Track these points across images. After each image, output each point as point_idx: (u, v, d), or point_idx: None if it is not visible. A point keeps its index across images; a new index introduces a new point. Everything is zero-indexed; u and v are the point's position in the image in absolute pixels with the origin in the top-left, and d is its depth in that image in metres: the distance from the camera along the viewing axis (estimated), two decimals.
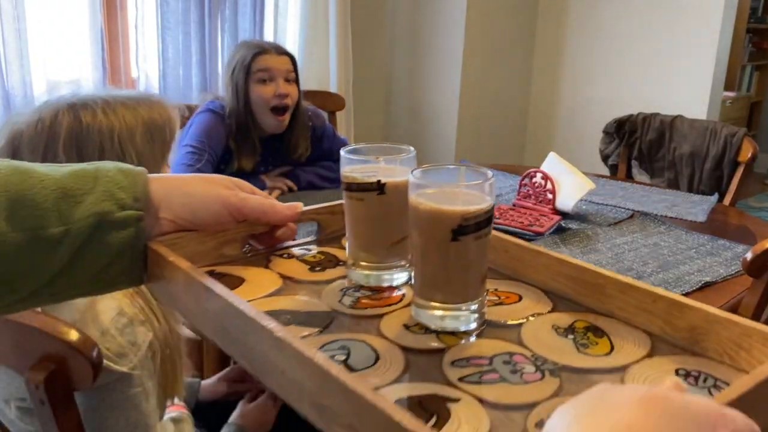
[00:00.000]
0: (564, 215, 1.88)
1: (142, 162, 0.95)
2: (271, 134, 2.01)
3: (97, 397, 0.91)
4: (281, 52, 1.98)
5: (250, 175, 1.96)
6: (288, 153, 2.04)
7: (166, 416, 1.13)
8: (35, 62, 2.24)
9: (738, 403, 0.40)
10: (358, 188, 0.63)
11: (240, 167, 1.97)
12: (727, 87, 4.65)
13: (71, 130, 0.93)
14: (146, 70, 2.53)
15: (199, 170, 1.80)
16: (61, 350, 0.82)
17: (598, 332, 0.57)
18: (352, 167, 0.64)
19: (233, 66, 1.93)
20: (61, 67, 2.36)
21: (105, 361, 0.86)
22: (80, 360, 0.82)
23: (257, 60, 1.93)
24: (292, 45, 3.01)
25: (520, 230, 1.76)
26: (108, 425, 0.93)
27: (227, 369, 1.46)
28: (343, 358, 0.53)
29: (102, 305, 0.90)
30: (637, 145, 2.61)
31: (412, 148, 0.64)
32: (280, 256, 0.71)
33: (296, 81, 1.99)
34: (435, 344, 0.55)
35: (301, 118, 2.02)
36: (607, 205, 2.05)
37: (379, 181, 0.62)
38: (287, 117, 1.97)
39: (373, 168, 0.63)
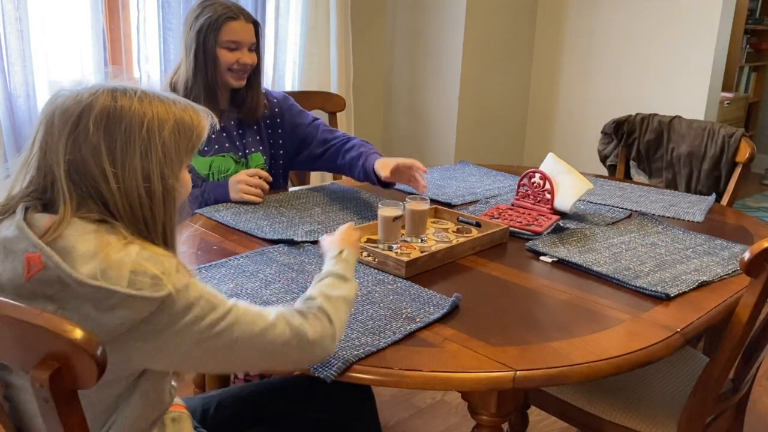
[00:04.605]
0: (562, 215, 1.90)
1: (166, 154, 1.01)
2: (232, 89, 2.04)
3: (151, 332, 0.94)
4: (249, 19, 2.00)
5: (219, 132, 2.01)
6: (248, 111, 2.07)
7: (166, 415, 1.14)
8: (38, 63, 2.24)
9: None
10: None
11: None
12: (725, 88, 4.66)
13: (105, 108, 0.98)
14: (148, 71, 2.54)
15: None
16: (65, 348, 0.83)
17: None
18: None
19: (201, 26, 1.93)
20: (64, 68, 2.37)
21: (144, 293, 0.91)
22: (84, 358, 0.82)
23: (227, 27, 1.93)
24: (292, 46, 3.03)
25: (518, 230, 1.77)
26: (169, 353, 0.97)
27: None
28: None
29: (120, 254, 0.94)
30: (636, 146, 2.62)
31: None
32: None
33: (257, 49, 2.03)
34: None
35: (259, 78, 2.07)
36: (605, 205, 2.06)
37: None
38: (245, 78, 2.02)
39: None
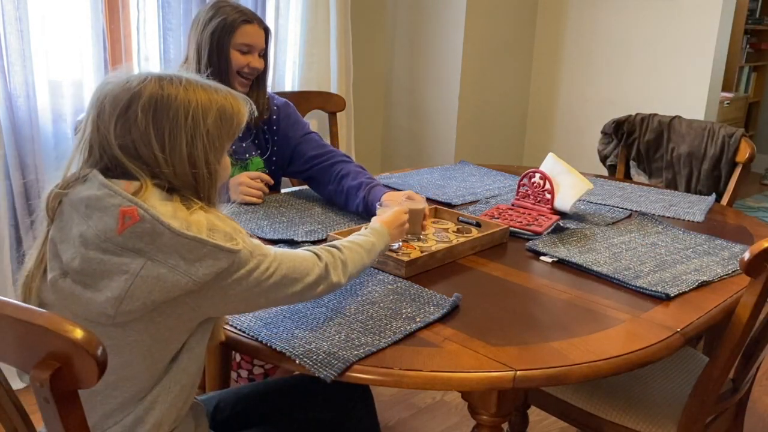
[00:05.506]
0: (562, 215, 1.90)
1: (210, 141, 1.08)
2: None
3: (221, 286, 1.04)
4: (262, 25, 2.02)
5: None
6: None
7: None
8: (38, 63, 2.24)
9: None
10: None
11: None
12: (725, 88, 4.66)
13: (153, 96, 1.05)
14: (148, 71, 2.54)
15: None
16: (66, 348, 0.83)
17: None
18: None
19: (215, 27, 1.93)
20: (64, 68, 2.37)
21: (223, 243, 1.02)
22: (85, 358, 0.82)
23: (242, 30, 1.95)
24: (292, 46, 3.02)
25: (518, 230, 1.77)
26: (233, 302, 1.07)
27: None
28: None
29: (194, 215, 1.04)
30: (636, 146, 2.62)
31: None
32: None
33: (266, 55, 2.05)
34: None
35: (264, 81, 2.08)
36: (605, 205, 2.06)
37: None
38: (249, 85, 2.03)
39: None
